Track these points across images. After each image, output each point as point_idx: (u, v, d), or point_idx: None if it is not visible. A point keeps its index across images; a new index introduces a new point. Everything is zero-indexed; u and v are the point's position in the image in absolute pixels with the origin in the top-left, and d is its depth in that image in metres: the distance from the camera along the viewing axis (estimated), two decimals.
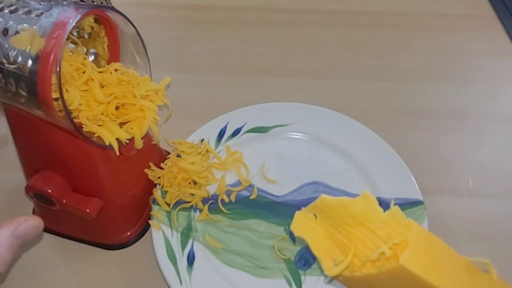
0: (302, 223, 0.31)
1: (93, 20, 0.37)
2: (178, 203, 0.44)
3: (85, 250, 0.43)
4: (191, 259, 0.41)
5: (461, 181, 0.48)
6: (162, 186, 0.44)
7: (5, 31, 0.31)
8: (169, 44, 0.64)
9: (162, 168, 0.44)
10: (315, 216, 0.32)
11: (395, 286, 0.28)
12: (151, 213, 0.43)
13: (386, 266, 0.26)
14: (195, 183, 0.45)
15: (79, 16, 0.30)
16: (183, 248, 0.42)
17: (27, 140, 0.38)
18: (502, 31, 0.64)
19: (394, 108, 0.55)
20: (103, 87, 0.37)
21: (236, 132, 0.51)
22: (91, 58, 0.40)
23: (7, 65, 0.31)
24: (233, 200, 0.45)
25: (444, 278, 0.26)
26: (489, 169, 0.49)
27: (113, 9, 0.35)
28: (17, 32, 0.31)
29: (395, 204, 0.29)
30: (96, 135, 0.35)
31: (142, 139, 0.38)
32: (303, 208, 0.32)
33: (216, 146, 0.49)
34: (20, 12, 0.31)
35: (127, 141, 0.37)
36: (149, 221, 0.43)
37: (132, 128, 0.38)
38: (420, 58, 0.61)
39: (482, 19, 0.66)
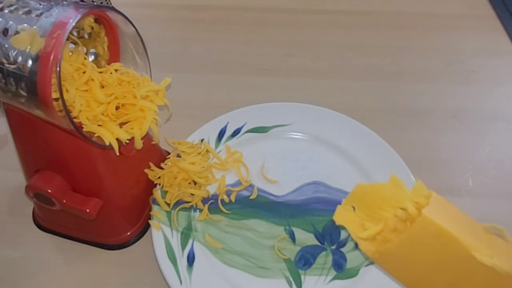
0: (343, 215, 0.35)
1: (93, 20, 0.37)
2: (178, 203, 0.44)
3: (85, 250, 0.43)
4: (191, 259, 0.41)
5: (461, 181, 0.48)
6: (162, 186, 0.44)
7: (5, 31, 0.31)
8: (169, 44, 0.64)
9: (162, 168, 0.44)
10: (354, 208, 0.35)
11: (424, 254, 0.30)
12: (151, 213, 0.43)
13: (412, 225, 0.29)
14: (195, 183, 0.45)
15: (79, 16, 0.30)
16: (183, 248, 0.42)
17: (27, 140, 0.38)
18: (502, 31, 0.64)
19: (394, 108, 0.55)
20: (103, 87, 0.37)
21: (236, 132, 0.51)
22: (91, 58, 0.40)
23: (7, 65, 0.31)
24: (233, 200, 0.45)
25: (463, 232, 0.28)
26: (489, 169, 0.49)
27: (113, 9, 0.35)
28: (17, 32, 0.31)
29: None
30: (96, 135, 0.35)
31: (142, 139, 0.38)
32: (343, 200, 0.35)
33: (216, 146, 0.49)
34: (20, 12, 0.31)
35: (127, 141, 0.37)
36: (149, 221, 0.43)
37: (132, 128, 0.38)
38: (420, 58, 0.61)
39: (482, 19, 0.66)
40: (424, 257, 0.30)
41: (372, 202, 0.33)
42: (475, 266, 0.28)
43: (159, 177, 0.44)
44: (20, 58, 0.30)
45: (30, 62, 0.30)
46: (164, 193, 0.44)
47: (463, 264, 0.29)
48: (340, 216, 0.35)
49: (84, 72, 0.36)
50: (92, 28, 0.38)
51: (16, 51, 0.30)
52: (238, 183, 0.47)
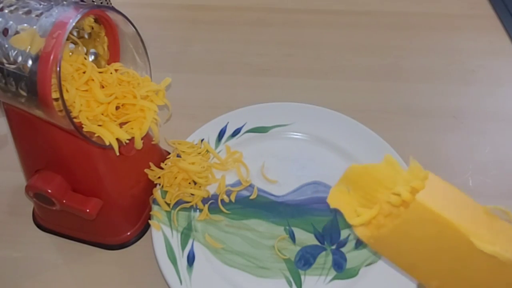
0: (337, 197, 0.33)
1: (93, 20, 0.37)
2: (178, 203, 0.44)
3: (85, 250, 0.43)
4: (191, 259, 0.41)
5: (461, 181, 0.48)
6: (162, 186, 0.44)
7: (5, 31, 0.31)
8: (169, 44, 0.64)
9: (162, 168, 0.44)
10: (348, 190, 0.33)
11: (420, 240, 0.28)
12: (151, 213, 0.43)
13: (406, 211, 0.27)
14: (195, 183, 0.45)
15: (79, 16, 0.30)
16: (183, 248, 0.42)
17: (27, 140, 0.38)
18: (502, 31, 0.64)
19: (394, 108, 0.55)
20: (103, 87, 0.37)
21: (236, 132, 0.51)
22: (91, 58, 0.40)
23: (7, 65, 0.31)
24: (233, 200, 0.45)
25: (461, 217, 0.26)
26: (489, 169, 0.49)
27: (113, 9, 0.35)
28: (17, 32, 0.31)
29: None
30: (96, 135, 0.35)
31: (142, 139, 0.38)
32: (337, 182, 0.33)
33: (216, 146, 0.49)
34: (20, 12, 0.31)
35: (127, 141, 0.37)
36: (149, 221, 0.43)
37: (132, 128, 0.38)
38: (420, 58, 0.61)
39: (482, 19, 0.66)
40: (421, 243, 0.29)
41: (366, 184, 0.32)
42: (474, 253, 0.26)
43: (159, 177, 0.44)
44: (20, 58, 0.30)
45: (30, 62, 0.30)
46: (164, 193, 0.44)
47: (462, 251, 0.27)
48: (335, 199, 0.33)
49: (84, 72, 0.36)
50: (92, 28, 0.38)
51: (16, 51, 0.30)
52: (238, 183, 0.47)
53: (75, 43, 0.38)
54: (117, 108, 0.38)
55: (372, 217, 0.30)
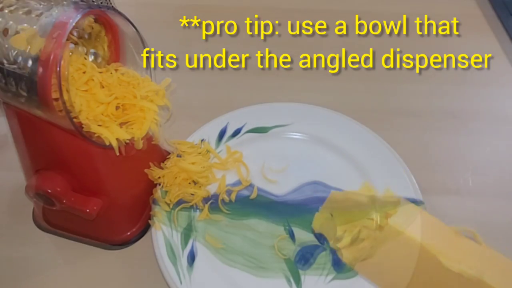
0: (321, 222, 0.35)
1: (93, 20, 0.37)
2: (178, 203, 0.44)
3: (85, 250, 0.43)
4: (191, 259, 0.41)
5: (461, 181, 0.48)
6: (163, 186, 0.44)
7: (5, 31, 0.31)
8: (169, 44, 0.64)
9: (162, 168, 0.44)
10: (331, 215, 0.35)
11: (397, 260, 0.31)
12: (151, 213, 0.43)
13: (381, 234, 0.30)
14: (195, 183, 0.45)
15: (79, 16, 0.30)
16: (183, 248, 0.42)
17: (27, 140, 0.38)
18: (502, 31, 0.64)
19: (394, 108, 0.55)
20: (103, 87, 0.37)
21: (236, 132, 0.51)
22: (91, 58, 0.40)
23: (7, 65, 0.31)
24: (233, 200, 0.45)
25: (431, 238, 0.29)
26: (489, 169, 0.49)
27: (113, 9, 0.35)
28: (17, 32, 0.31)
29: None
30: (96, 135, 0.35)
31: (142, 139, 0.38)
32: (320, 208, 0.35)
33: (217, 146, 0.49)
34: (20, 12, 0.31)
35: (127, 141, 0.37)
36: (150, 221, 0.43)
37: (132, 128, 0.38)
38: (420, 58, 0.61)
39: (482, 19, 0.66)
40: (397, 263, 0.31)
41: (347, 210, 0.34)
42: (443, 271, 0.28)
43: (159, 177, 0.44)
44: (20, 58, 0.30)
45: (30, 62, 0.30)
46: (165, 193, 0.44)
47: (433, 270, 0.29)
48: (319, 224, 0.35)
49: (84, 72, 0.36)
50: (92, 28, 0.38)
51: (16, 51, 0.31)
52: (238, 182, 0.47)
53: (75, 43, 0.38)
54: (117, 108, 0.38)
55: (353, 241, 0.33)
